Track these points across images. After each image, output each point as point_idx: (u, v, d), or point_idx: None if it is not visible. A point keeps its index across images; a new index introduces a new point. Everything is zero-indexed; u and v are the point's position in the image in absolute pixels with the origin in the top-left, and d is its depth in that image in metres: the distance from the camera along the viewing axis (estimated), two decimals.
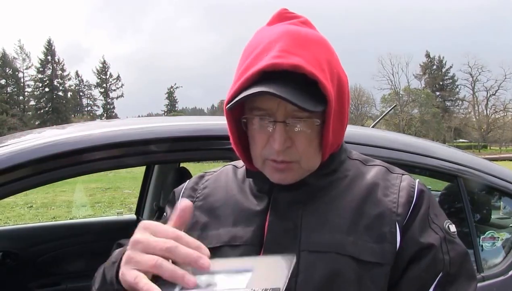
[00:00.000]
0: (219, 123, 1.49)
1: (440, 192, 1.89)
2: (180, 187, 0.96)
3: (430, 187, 2.24)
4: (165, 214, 0.96)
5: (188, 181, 0.96)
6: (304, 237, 0.77)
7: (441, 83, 53.74)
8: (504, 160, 23.43)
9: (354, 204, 0.78)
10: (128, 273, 0.58)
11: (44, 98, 51.38)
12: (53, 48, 52.01)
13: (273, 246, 0.77)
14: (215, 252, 0.79)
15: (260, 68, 0.70)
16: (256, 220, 0.81)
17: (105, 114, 54.98)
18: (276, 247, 0.77)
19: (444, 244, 0.77)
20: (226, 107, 0.73)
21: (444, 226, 0.80)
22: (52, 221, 6.69)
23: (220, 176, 0.93)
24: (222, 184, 0.91)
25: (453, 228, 0.81)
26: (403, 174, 0.84)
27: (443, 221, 0.80)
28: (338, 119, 0.76)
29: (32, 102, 51.77)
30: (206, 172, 0.97)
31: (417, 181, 0.82)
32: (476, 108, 50.99)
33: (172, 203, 0.95)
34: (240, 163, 0.94)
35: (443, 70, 54.56)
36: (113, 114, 55.18)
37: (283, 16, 0.80)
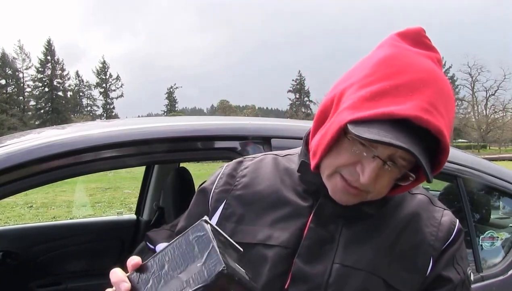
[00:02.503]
0: (219, 123, 1.49)
1: (439, 192, 1.90)
2: (215, 174, 0.91)
3: (429, 186, 2.24)
4: (194, 200, 0.92)
5: (225, 165, 0.92)
6: (340, 250, 0.76)
7: None
8: (504, 160, 23.41)
9: (394, 229, 0.79)
10: None
11: (44, 98, 51.36)
12: (52, 48, 52.03)
13: (307, 253, 0.77)
14: (249, 248, 0.78)
15: (405, 115, 0.66)
16: (296, 222, 0.79)
17: (105, 114, 54.97)
18: (310, 254, 0.77)
19: (461, 287, 0.78)
20: (351, 129, 0.67)
21: (467, 271, 0.81)
22: (52, 221, 6.69)
23: (260, 165, 0.90)
24: (262, 175, 0.87)
25: (472, 276, 0.84)
26: (445, 209, 0.84)
27: (466, 266, 0.81)
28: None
29: (32, 102, 51.77)
30: (244, 158, 0.94)
31: (457, 219, 0.84)
32: (476, 108, 51.01)
33: (204, 193, 0.90)
34: (282, 152, 0.92)
35: (443, 70, 54.45)
36: (113, 114, 55.17)
37: (420, 40, 0.77)
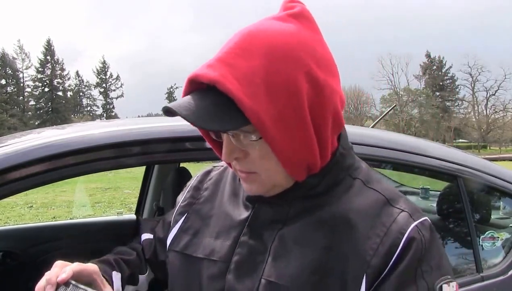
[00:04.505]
0: None
1: (440, 192, 1.90)
2: (186, 185, 0.94)
3: (429, 186, 2.24)
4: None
5: (195, 176, 0.94)
6: (269, 262, 0.71)
7: (441, 83, 53.75)
8: (504, 160, 23.43)
9: (330, 238, 0.69)
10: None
11: (44, 98, 51.38)
12: (52, 48, 52.03)
13: (238, 269, 0.74)
14: (199, 262, 0.78)
15: (187, 78, 0.67)
16: (233, 235, 0.77)
17: (105, 114, 54.98)
18: (241, 270, 0.73)
19: None
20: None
21: (435, 285, 0.67)
22: (52, 221, 6.69)
23: (223, 175, 0.89)
24: (221, 186, 0.87)
25: (448, 288, 0.68)
26: (403, 210, 0.70)
27: (436, 278, 0.67)
28: (288, 135, 0.65)
29: (32, 102, 51.77)
30: (214, 166, 0.94)
31: (415, 223, 0.68)
32: (476, 108, 51.02)
33: (177, 200, 0.94)
34: None
35: (443, 70, 54.59)
36: (113, 114, 55.17)
37: (284, 7, 0.73)
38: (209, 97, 0.64)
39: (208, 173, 0.92)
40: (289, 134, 0.65)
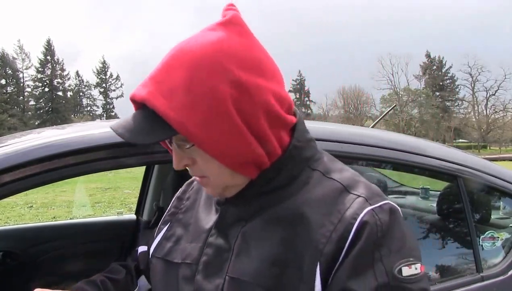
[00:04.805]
0: None
1: (440, 192, 1.90)
2: (175, 194, 0.98)
3: (429, 186, 2.24)
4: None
5: (180, 188, 0.98)
6: (233, 259, 0.73)
7: (441, 83, 53.76)
8: (504, 160, 23.42)
9: (287, 231, 0.70)
10: None
11: (44, 98, 51.39)
12: (52, 48, 52.04)
13: (206, 269, 0.76)
14: (177, 267, 0.81)
15: (129, 98, 0.72)
16: (203, 237, 0.80)
17: (105, 114, 54.98)
18: (209, 269, 0.75)
19: None
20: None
21: (393, 268, 0.65)
22: (52, 221, 6.69)
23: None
24: (199, 195, 0.90)
25: (409, 270, 0.66)
26: (359, 196, 0.69)
27: (395, 261, 0.66)
28: (217, 138, 0.67)
29: (32, 102, 51.78)
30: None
31: (370, 207, 0.68)
32: (476, 108, 51.03)
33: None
34: None
35: (443, 70, 54.58)
36: (113, 114, 55.18)
37: (222, 13, 0.75)
38: (144, 113, 0.69)
39: (190, 183, 0.96)
40: (217, 138, 0.67)
